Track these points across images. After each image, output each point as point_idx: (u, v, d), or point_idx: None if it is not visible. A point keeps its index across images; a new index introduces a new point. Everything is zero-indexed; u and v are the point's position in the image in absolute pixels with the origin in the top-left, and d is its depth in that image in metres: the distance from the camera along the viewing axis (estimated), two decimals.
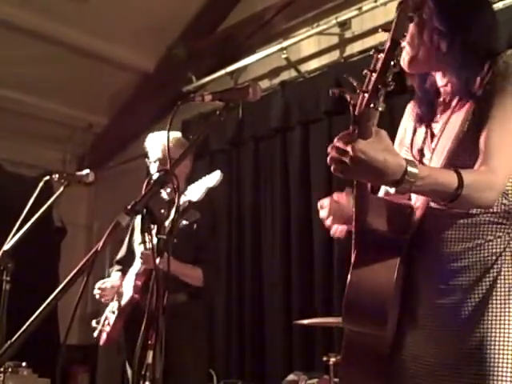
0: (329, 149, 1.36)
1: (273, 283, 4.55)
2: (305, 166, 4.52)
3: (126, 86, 5.94)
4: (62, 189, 3.07)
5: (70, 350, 5.67)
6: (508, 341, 1.43)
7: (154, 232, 1.60)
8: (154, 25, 5.21)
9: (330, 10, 4.53)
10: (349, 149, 1.31)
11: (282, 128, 4.75)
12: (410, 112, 1.77)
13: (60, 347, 5.19)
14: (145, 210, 1.51)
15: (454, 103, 1.61)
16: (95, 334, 3.19)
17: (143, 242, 3.23)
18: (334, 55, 4.61)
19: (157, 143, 3.25)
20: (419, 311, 1.55)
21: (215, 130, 4.99)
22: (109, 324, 3.13)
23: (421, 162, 1.61)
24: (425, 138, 1.66)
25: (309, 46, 4.77)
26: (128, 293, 3.04)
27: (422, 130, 1.69)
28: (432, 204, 1.54)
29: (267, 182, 4.81)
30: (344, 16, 4.41)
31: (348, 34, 4.51)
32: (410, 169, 1.33)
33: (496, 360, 1.42)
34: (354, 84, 1.47)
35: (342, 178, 1.38)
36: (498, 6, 3.67)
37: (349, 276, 1.50)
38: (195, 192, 2.67)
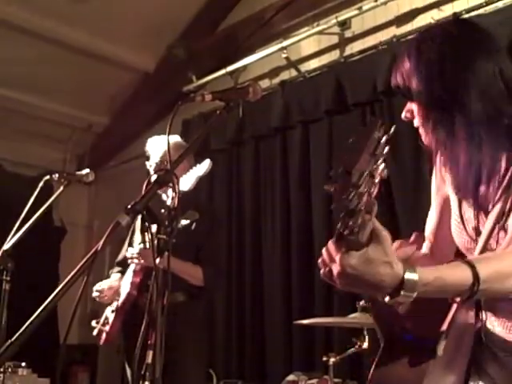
0: (323, 250, 1.21)
1: (273, 283, 4.55)
2: (305, 165, 4.52)
3: (126, 85, 5.94)
4: (61, 188, 3.07)
5: (70, 350, 5.67)
6: None
7: (154, 232, 1.60)
8: (154, 25, 5.21)
9: (330, 10, 4.53)
10: (337, 259, 1.15)
11: (282, 128, 4.75)
12: None
13: (60, 347, 5.19)
14: (145, 210, 1.51)
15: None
16: (95, 334, 3.19)
17: (143, 241, 3.25)
18: (334, 55, 4.61)
19: (156, 147, 3.27)
20: None
21: (215, 130, 4.99)
22: (108, 323, 3.14)
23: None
24: (476, 214, 1.47)
25: (309, 45, 4.76)
26: (125, 290, 3.05)
27: (469, 202, 1.50)
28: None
29: (267, 182, 4.81)
30: (344, 15, 4.41)
31: (348, 34, 4.51)
32: (407, 277, 1.16)
33: None
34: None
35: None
36: (497, 5, 3.67)
37: (371, 372, 1.33)
38: (186, 182, 2.68)
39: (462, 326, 1.41)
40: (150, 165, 3.28)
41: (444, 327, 1.32)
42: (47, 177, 3.04)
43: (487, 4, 3.69)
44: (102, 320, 3.19)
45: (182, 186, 2.63)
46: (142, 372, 1.54)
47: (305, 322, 3.28)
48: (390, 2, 4.12)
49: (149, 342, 1.55)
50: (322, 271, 1.21)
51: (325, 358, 3.15)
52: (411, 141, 3.81)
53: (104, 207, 6.18)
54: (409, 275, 1.16)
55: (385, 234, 1.15)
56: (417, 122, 1.48)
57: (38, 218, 2.86)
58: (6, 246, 2.76)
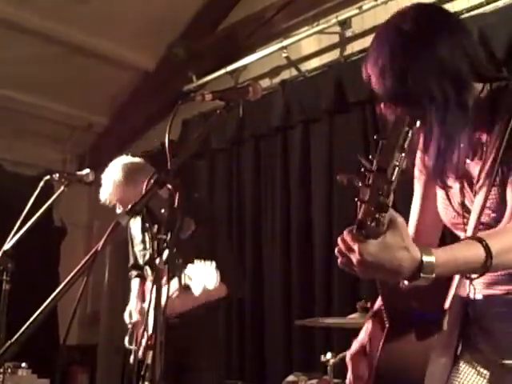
0: (338, 239, 1.23)
1: (273, 283, 4.54)
2: (305, 165, 4.52)
3: (126, 85, 5.94)
4: (62, 188, 3.07)
5: (70, 351, 5.67)
6: None
7: (154, 232, 1.59)
8: (154, 24, 5.21)
9: (331, 9, 4.52)
10: (355, 248, 1.19)
11: (283, 127, 4.74)
12: None
13: (59, 348, 5.19)
14: (145, 210, 1.51)
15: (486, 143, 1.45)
16: (132, 357, 3.18)
17: (143, 241, 3.22)
18: (335, 54, 4.60)
19: (107, 192, 3.17)
20: None
21: (216, 129, 4.99)
22: (141, 344, 3.18)
23: (467, 216, 1.49)
24: (461, 188, 1.51)
25: (309, 44, 4.76)
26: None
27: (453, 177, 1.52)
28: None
29: (267, 181, 4.81)
30: (344, 15, 4.40)
31: (348, 33, 4.50)
32: (425, 259, 1.21)
33: None
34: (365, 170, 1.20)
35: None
36: (497, 4, 3.67)
37: (379, 352, 1.38)
38: (195, 284, 2.60)
39: (459, 302, 1.46)
40: (118, 208, 3.17)
41: (447, 304, 1.36)
42: (47, 177, 3.03)
43: (487, 3, 3.69)
44: (134, 341, 3.19)
45: (192, 287, 2.59)
46: (142, 373, 1.54)
47: (305, 322, 3.27)
48: (391, 2, 4.11)
49: (149, 342, 1.55)
50: (339, 260, 1.25)
51: (325, 359, 3.14)
52: None
53: (104, 207, 6.16)
54: (426, 258, 1.21)
55: (400, 221, 1.20)
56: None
57: (38, 217, 2.86)
58: (6, 246, 2.76)
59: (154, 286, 1.55)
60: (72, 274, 1.35)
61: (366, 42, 4.33)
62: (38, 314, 1.29)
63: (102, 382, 5.81)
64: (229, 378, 4.33)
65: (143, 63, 5.75)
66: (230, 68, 5.10)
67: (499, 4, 3.66)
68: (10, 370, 3.72)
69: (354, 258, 1.19)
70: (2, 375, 3.25)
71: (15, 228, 2.80)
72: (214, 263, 2.61)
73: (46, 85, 5.56)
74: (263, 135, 4.91)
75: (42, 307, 1.31)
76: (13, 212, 2.91)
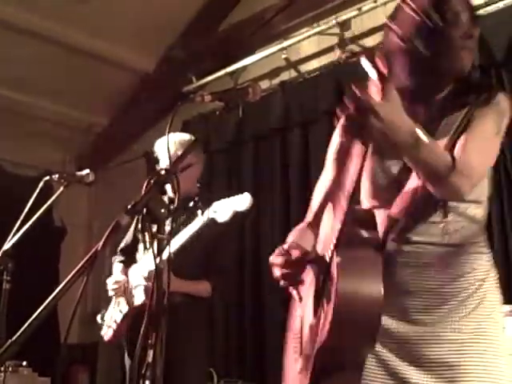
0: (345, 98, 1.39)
1: (273, 282, 4.54)
2: (305, 166, 4.53)
3: (126, 86, 5.95)
4: (61, 189, 3.08)
5: (70, 350, 5.68)
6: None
7: (154, 232, 1.59)
8: (154, 25, 5.22)
9: (330, 11, 4.53)
10: (374, 105, 1.34)
11: (282, 128, 4.75)
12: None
13: (60, 347, 5.20)
14: (145, 210, 1.51)
15: None
16: (102, 332, 3.21)
17: (143, 241, 3.23)
18: (334, 55, 4.61)
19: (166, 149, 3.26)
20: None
21: (215, 130, 5.00)
22: (115, 322, 3.15)
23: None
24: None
25: (309, 46, 4.77)
26: (140, 296, 3.05)
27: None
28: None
29: (267, 182, 4.82)
30: (344, 16, 4.42)
31: (348, 35, 4.51)
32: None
33: None
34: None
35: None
36: (498, 5, 3.68)
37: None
38: (222, 212, 2.66)
39: None
40: (161, 168, 3.25)
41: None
42: (47, 177, 3.04)
43: (487, 5, 3.70)
44: (108, 318, 3.21)
45: (217, 216, 2.65)
46: (143, 371, 1.54)
47: None
48: (390, 3, 4.12)
49: (149, 341, 1.56)
50: (346, 121, 1.50)
51: None
52: None
53: (104, 207, 6.19)
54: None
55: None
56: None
57: (38, 218, 2.87)
58: (6, 246, 2.76)
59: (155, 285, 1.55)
60: (72, 273, 1.36)
61: (366, 43, 4.35)
62: (39, 313, 1.30)
63: (103, 381, 5.81)
64: (229, 377, 4.34)
65: (143, 64, 5.76)
66: (229, 69, 5.11)
67: (500, 5, 3.67)
68: (10, 369, 3.73)
69: (371, 115, 1.33)
70: (3, 374, 3.26)
71: (15, 228, 2.81)
72: (246, 193, 2.68)
73: (46, 85, 5.57)
74: (263, 136, 4.92)
75: (43, 306, 1.31)
76: (13, 212, 2.91)
